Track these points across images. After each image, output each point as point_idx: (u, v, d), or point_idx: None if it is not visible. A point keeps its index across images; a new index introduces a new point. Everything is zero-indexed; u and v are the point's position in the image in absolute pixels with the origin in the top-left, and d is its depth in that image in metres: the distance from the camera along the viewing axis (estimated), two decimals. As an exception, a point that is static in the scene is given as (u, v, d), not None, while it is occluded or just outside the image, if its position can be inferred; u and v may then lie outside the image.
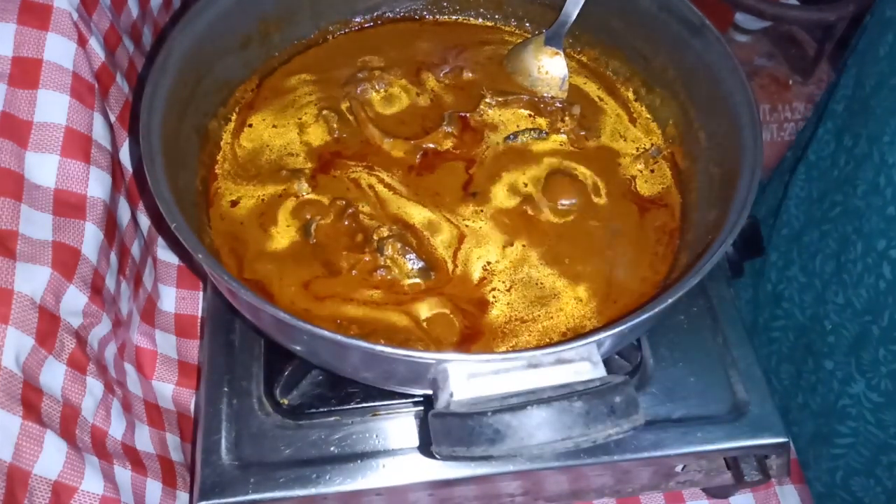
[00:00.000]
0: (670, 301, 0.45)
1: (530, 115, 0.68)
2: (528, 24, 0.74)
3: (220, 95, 0.64)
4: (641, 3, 0.65)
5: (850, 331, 0.76)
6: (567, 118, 0.67)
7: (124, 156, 0.64)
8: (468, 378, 0.41)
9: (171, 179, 0.51)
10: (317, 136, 0.65)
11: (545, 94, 0.69)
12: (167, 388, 0.67)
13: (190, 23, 0.58)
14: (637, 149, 0.66)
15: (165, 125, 0.53)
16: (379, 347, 0.42)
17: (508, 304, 0.56)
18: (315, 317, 0.54)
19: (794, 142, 1.00)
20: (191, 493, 0.57)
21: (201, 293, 0.72)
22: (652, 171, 0.65)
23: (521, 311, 0.56)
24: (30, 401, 0.48)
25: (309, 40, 0.71)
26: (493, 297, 0.57)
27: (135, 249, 0.65)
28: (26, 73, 0.52)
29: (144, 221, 0.68)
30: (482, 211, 0.61)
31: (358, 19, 0.73)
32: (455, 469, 0.56)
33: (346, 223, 0.59)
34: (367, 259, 0.57)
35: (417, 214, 0.60)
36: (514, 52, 0.71)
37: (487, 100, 0.68)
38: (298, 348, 0.50)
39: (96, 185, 0.56)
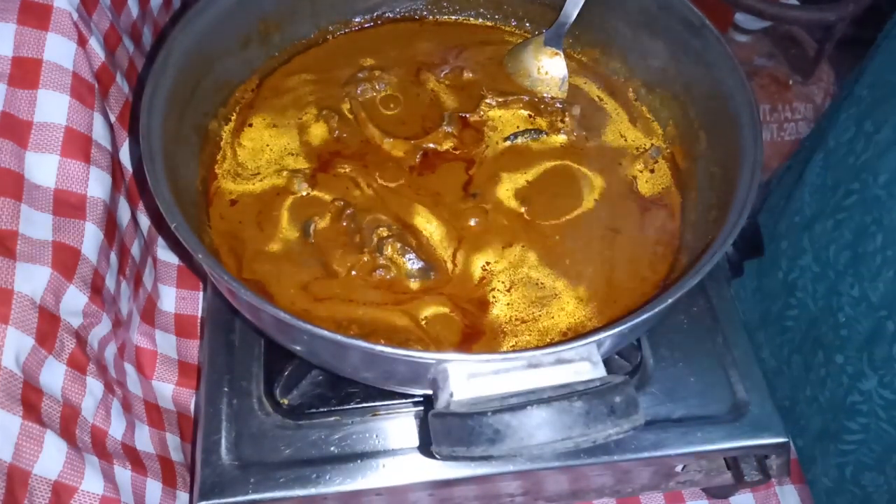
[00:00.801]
0: (670, 301, 0.45)
1: (530, 116, 0.68)
2: (528, 24, 0.74)
3: (220, 95, 0.64)
4: (641, 3, 0.65)
5: (864, 325, 0.74)
6: (567, 118, 0.67)
7: (124, 156, 0.64)
8: (468, 378, 0.41)
9: (171, 179, 0.51)
10: (317, 135, 0.65)
11: (545, 95, 0.69)
12: (167, 388, 0.67)
13: (190, 23, 0.58)
14: (637, 149, 0.66)
15: (165, 125, 0.53)
16: (379, 347, 0.42)
17: (508, 304, 0.56)
18: (315, 317, 0.54)
19: (813, 129, 0.97)
20: (191, 493, 0.57)
21: (201, 293, 0.72)
22: (652, 171, 0.65)
23: (521, 311, 0.56)
24: (30, 401, 0.48)
25: (309, 40, 0.71)
26: (493, 297, 0.57)
27: (135, 249, 0.65)
28: (26, 73, 0.52)
29: (144, 221, 0.68)
30: (482, 211, 0.61)
31: (358, 19, 0.73)
32: (455, 469, 0.56)
33: (345, 224, 0.59)
34: (367, 259, 0.57)
35: (417, 214, 0.60)
36: (513, 53, 0.71)
37: (487, 100, 0.68)
38: (298, 348, 0.50)
39: (96, 185, 0.56)
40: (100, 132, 0.56)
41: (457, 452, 0.39)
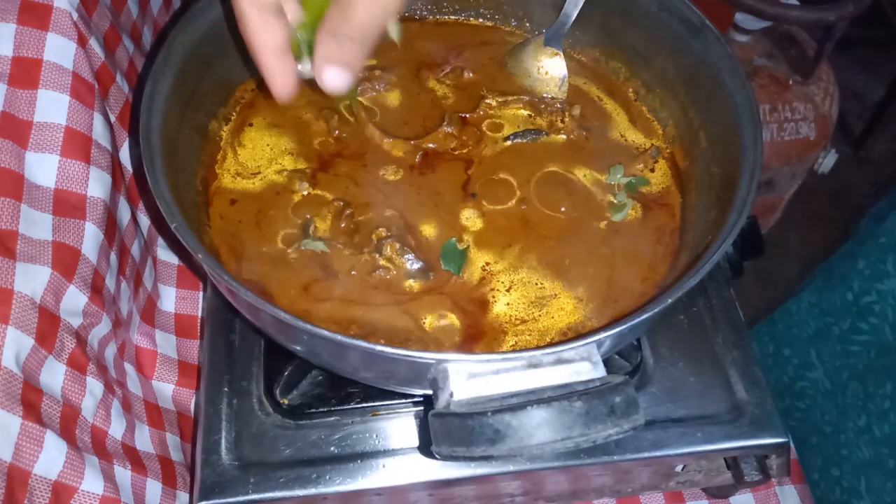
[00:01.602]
0: (670, 301, 0.45)
1: (530, 116, 0.68)
2: (528, 24, 0.74)
3: (220, 95, 0.64)
4: (641, 3, 0.65)
5: None
6: (567, 118, 0.67)
7: (124, 156, 0.64)
8: (468, 378, 0.41)
9: (171, 179, 0.51)
10: (317, 135, 0.65)
11: (545, 95, 0.69)
12: (167, 388, 0.67)
13: (190, 23, 0.58)
14: (637, 149, 0.66)
15: (165, 125, 0.53)
16: (379, 347, 0.42)
17: (508, 304, 0.56)
18: (314, 317, 0.54)
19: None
20: (191, 493, 0.57)
21: (201, 293, 0.72)
22: (652, 170, 0.65)
23: (521, 310, 0.56)
24: (30, 401, 0.48)
25: (309, 40, 0.71)
26: (493, 297, 0.57)
27: (135, 249, 0.65)
28: (26, 73, 0.52)
29: (144, 221, 0.68)
30: (481, 211, 0.61)
31: (358, 19, 0.73)
32: (455, 469, 0.56)
33: (344, 224, 0.59)
34: (366, 259, 0.57)
35: (417, 214, 0.60)
36: (513, 53, 0.71)
37: (487, 100, 0.68)
38: (298, 348, 0.50)
39: (96, 185, 0.56)
40: (100, 132, 0.56)
41: (457, 452, 0.39)
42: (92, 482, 0.50)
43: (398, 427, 0.58)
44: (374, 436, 0.57)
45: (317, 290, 0.56)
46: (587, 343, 0.43)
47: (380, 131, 0.65)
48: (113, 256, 0.59)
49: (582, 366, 0.43)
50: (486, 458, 0.39)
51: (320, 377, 0.59)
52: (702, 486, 0.68)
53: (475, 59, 0.72)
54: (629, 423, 0.39)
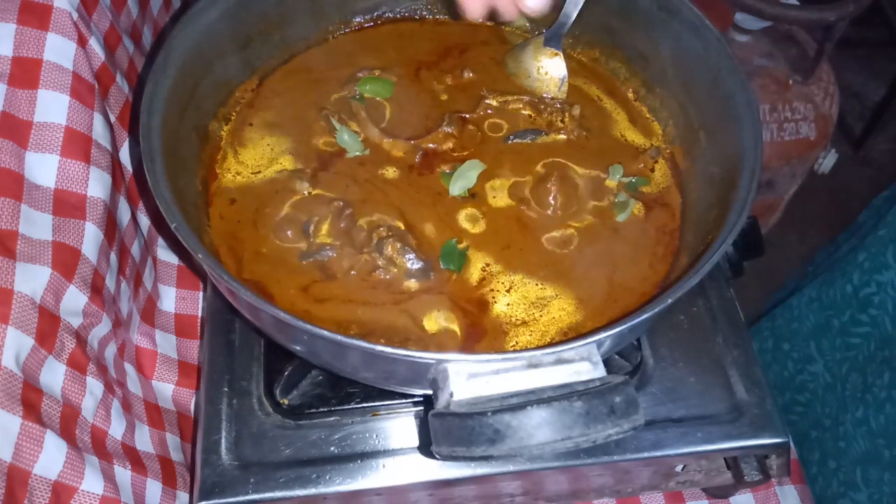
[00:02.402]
0: (670, 301, 0.45)
1: (530, 116, 0.68)
2: (528, 24, 0.74)
3: (220, 95, 0.64)
4: (641, 3, 0.65)
5: None
6: (567, 118, 0.67)
7: (124, 156, 0.64)
8: (468, 378, 0.41)
9: (171, 179, 0.51)
10: (317, 135, 0.65)
11: (545, 95, 0.69)
12: (167, 388, 0.67)
13: (190, 23, 0.58)
14: (637, 149, 0.66)
15: (165, 125, 0.53)
16: (379, 347, 0.42)
17: (508, 304, 0.56)
18: (314, 317, 0.54)
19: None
20: (191, 493, 0.57)
21: (201, 293, 0.72)
22: (652, 170, 0.65)
23: (521, 311, 0.56)
24: (30, 401, 0.48)
25: (309, 40, 0.71)
26: (493, 297, 0.57)
27: (135, 249, 0.65)
28: (26, 73, 0.52)
29: (144, 221, 0.68)
30: (481, 211, 0.61)
31: (358, 19, 0.73)
32: (455, 469, 0.56)
33: (344, 224, 0.59)
34: (366, 259, 0.57)
35: (417, 214, 0.60)
36: (513, 53, 0.71)
37: (487, 100, 0.68)
38: (298, 348, 0.50)
39: (96, 185, 0.56)
40: (100, 132, 0.56)
41: (457, 452, 0.39)
42: (92, 482, 0.50)
43: (398, 427, 0.58)
44: (374, 436, 0.57)
45: (317, 290, 0.56)
46: (587, 343, 0.43)
47: (380, 131, 0.65)
48: (113, 256, 0.59)
49: (582, 366, 0.43)
50: (486, 458, 0.39)
51: (320, 377, 0.59)
52: (702, 486, 0.68)
53: (475, 59, 0.72)
54: (629, 423, 0.39)
